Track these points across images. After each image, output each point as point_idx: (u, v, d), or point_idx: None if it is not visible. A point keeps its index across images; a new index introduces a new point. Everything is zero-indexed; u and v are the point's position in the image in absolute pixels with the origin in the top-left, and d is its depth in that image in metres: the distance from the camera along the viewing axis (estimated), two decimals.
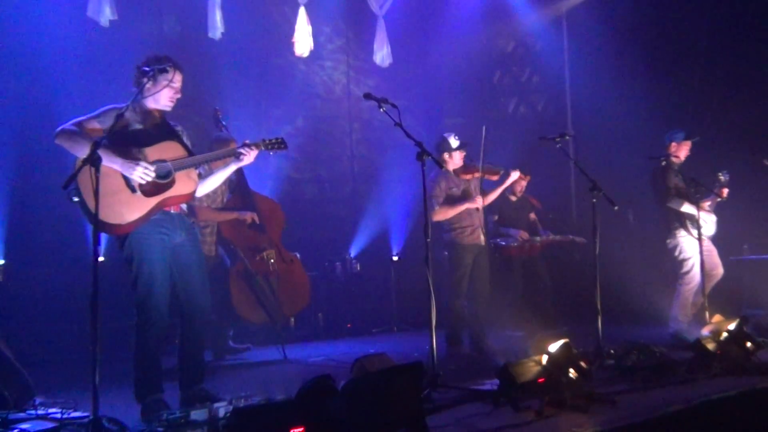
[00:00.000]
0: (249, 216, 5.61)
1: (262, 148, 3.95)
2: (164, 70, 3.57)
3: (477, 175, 5.58)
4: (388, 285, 7.98)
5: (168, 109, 3.73)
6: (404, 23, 8.49)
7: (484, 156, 5.48)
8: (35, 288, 5.63)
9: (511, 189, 6.78)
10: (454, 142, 5.55)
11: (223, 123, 5.39)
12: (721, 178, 6.00)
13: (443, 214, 5.51)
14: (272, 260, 5.63)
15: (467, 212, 5.60)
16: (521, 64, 9.94)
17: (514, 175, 5.65)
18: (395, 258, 8.08)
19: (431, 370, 3.78)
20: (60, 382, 4.59)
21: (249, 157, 3.83)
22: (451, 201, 5.55)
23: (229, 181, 5.83)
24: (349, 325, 7.64)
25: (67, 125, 3.48)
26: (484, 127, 5.39)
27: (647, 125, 7.61)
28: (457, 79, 9.27)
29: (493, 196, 5.81)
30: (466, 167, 5.62)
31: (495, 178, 5.69)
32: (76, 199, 3.37)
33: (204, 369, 3.85)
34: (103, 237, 3.86)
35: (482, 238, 5.64)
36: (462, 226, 5.58)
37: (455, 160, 5.59)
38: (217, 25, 6.76)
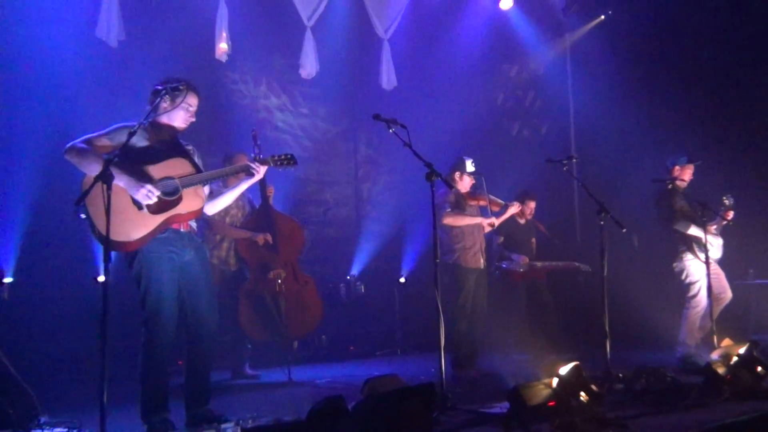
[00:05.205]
0: (261, 238, 5.62)
1: (271, 165, 3.96)
2: (176, 89, 3.60)
3: (483, 203, 5.65)
4: (392, 307, 7.93)
5: (181, 129, 3.76)
6: (409, 46, 8.55)
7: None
8: (42, 306, 5.58)
9: (520, 212, 6.80)
10: (470, 166, 5.65)
11: (258, 143, 5.39)
12: (726, 201, 6.01)
13: (454, 219, 5.54)
14: (280, 280, 5.61)
15: (471, 233, 5.65)
16: (525, 88, 10.00)
17: (514, 208, 5.82)
18: (402, 280, 8.04)
19: (440, 392, 3.75)
20: (65, 401, 4.55)
21: (260, 173, 3.83)
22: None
23: (248, 200, 5.87)
24: (352, 348, 7.58)
25: (77, 142, 3.49)
26: (482, 177, 5.62)
27: (649, 149, 7.64)
28: (461, 102, 9.30)
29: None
30: (473, 194, 5.70)
31: (496, 208, 5.86)
32: (83, 215, 3.37)
33: (210, 390, 3.81)
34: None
35: (482, 261, 5.70)
36: (465, 247, 5.61)
37: (464, 183, 5.68)
38: (224, 45, 6.80)
